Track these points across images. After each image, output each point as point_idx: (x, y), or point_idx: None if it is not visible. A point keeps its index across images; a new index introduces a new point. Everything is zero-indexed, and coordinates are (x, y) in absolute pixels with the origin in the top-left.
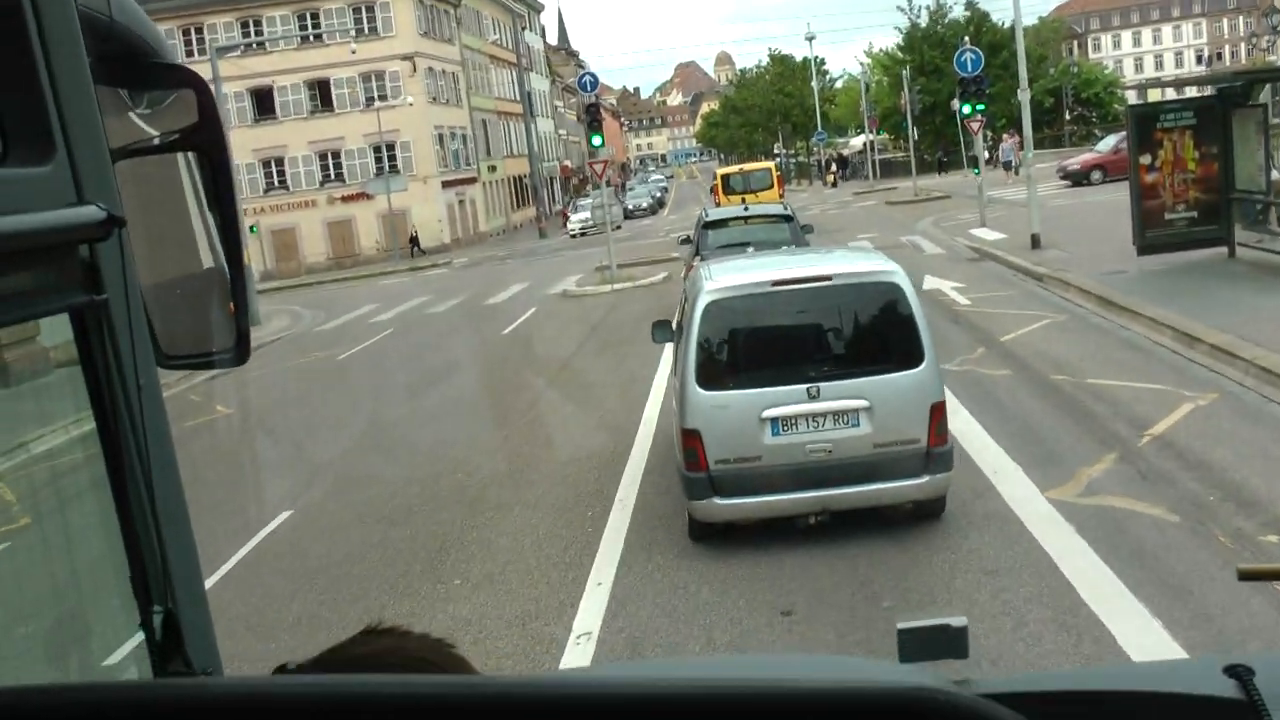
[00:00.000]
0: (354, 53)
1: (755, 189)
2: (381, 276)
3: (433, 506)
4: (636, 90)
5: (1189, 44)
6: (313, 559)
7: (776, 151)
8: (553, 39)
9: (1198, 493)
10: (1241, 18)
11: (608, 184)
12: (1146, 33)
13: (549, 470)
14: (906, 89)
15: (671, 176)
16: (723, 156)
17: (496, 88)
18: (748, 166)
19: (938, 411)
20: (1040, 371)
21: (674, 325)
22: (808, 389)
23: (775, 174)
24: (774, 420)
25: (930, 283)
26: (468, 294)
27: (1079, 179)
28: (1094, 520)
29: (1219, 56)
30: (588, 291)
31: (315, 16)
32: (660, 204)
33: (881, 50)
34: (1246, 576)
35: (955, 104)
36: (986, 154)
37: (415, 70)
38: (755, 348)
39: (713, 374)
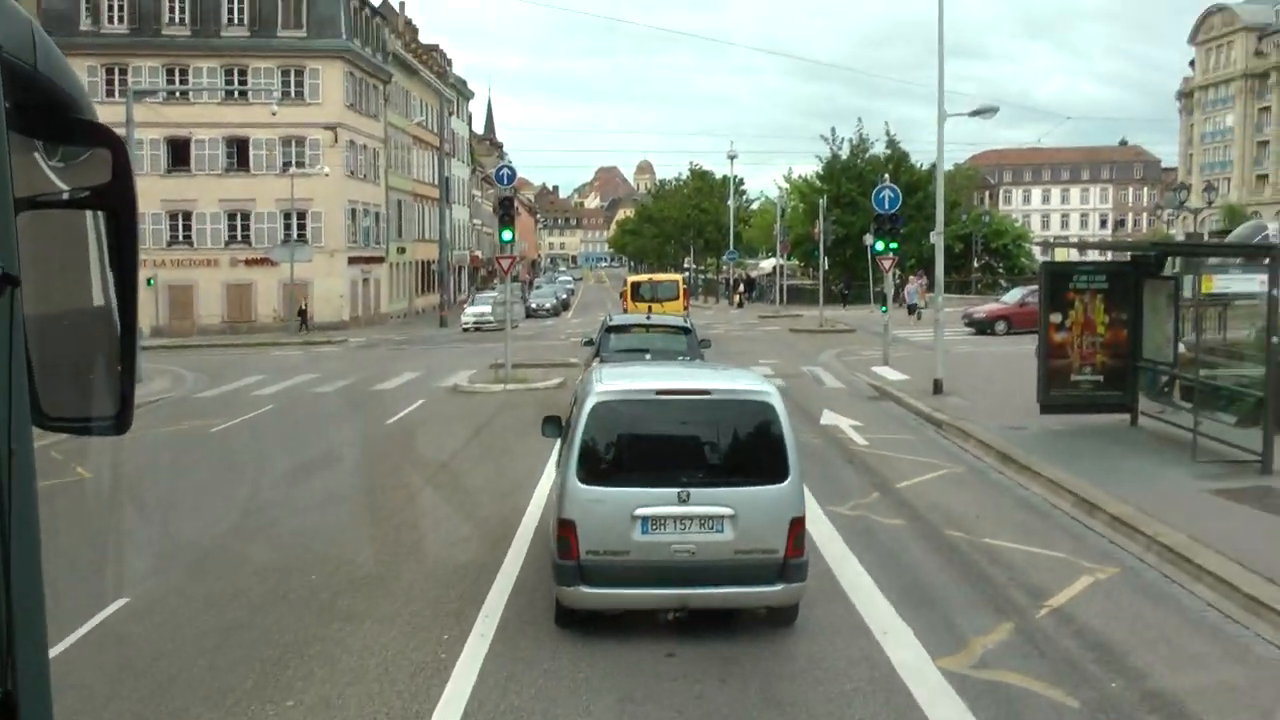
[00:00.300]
0: (274, 114)
1: (662, 298)
2: (274, 347)
3: (280, 609)
4: (555, 189)
5: (1095, 207)
6: (140, 658)
7: (686, 266)
8: (480, 127)
9: (1099, 677)
10: (1146, 189)
11: (515, 279)
12: (1056, 191)
13: (411, 581)
14: (822, 218)
15: (580, 279)
16: (633, 264)
17: (416, 169)
18: (657, 277)
19: (797, 525)
20: (935, 525)
21: (563, 422)
22: (678, 493)
23: (682, 286)
24: (644, 519)
25: (828, 418)
26: (357, 377)
27: (983, 328)
28: (988, 697)
29: (1122, 224)
30: (479, 389)
31: (244, 73)
32: (565, 305)
33: (800, 177)
34: None
35: (868, 239)
36: (893, 292)
37: (336, 141)
38: (634, 449)
39: (592, 470)
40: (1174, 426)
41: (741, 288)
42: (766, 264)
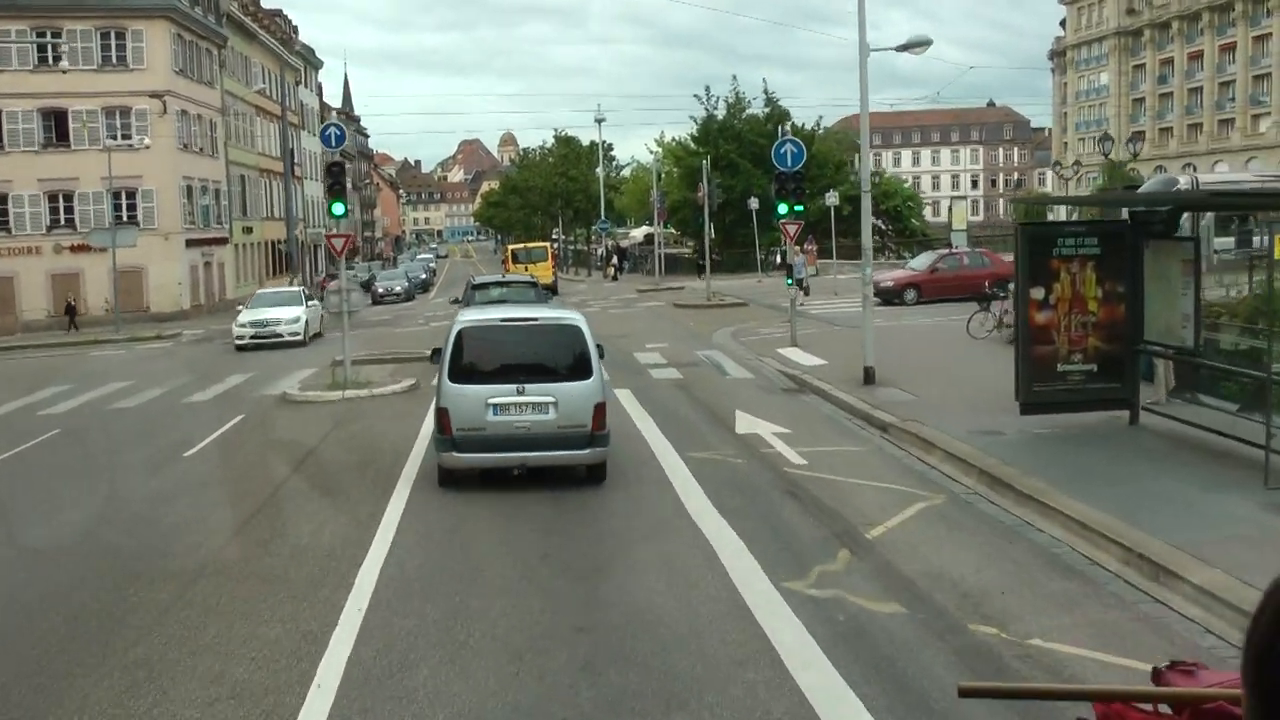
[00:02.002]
0: (64, 73)
1: (535, 261)
2: (99, 345)
3: None
4: (418, 163)
5: (966, 168)
6: None
7: (555, 236)
8: (336, 101)
9: None
10: (1016, 149)
11: (377, 257)
12: (926, 153)
13: None
14: (706, 182)
15: (445, 255)
16: (499, 237)
17: (260, 141)
18: (530, 244)
19: (599, 409)
20: (948, 611)
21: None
22: (517, 388)
23: (551, 250)
24: (494, 405)
25: (745, 423)
26: (175, 383)
27: (891, 297)
28: None
29: (994, 183)
30: (311, 397)
31: (57, 35)
32: (424, 287)
33: (674, 139)
34: (967, 694)
35: (753, 202)
36: (779, 261)
37: (165, 110)
38: (487, 359)
39: (459, 373)
40: (1190, 426)
41: (614, 259)
42: (637, 232)
